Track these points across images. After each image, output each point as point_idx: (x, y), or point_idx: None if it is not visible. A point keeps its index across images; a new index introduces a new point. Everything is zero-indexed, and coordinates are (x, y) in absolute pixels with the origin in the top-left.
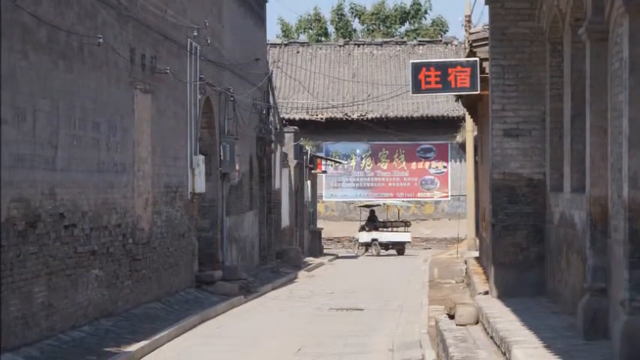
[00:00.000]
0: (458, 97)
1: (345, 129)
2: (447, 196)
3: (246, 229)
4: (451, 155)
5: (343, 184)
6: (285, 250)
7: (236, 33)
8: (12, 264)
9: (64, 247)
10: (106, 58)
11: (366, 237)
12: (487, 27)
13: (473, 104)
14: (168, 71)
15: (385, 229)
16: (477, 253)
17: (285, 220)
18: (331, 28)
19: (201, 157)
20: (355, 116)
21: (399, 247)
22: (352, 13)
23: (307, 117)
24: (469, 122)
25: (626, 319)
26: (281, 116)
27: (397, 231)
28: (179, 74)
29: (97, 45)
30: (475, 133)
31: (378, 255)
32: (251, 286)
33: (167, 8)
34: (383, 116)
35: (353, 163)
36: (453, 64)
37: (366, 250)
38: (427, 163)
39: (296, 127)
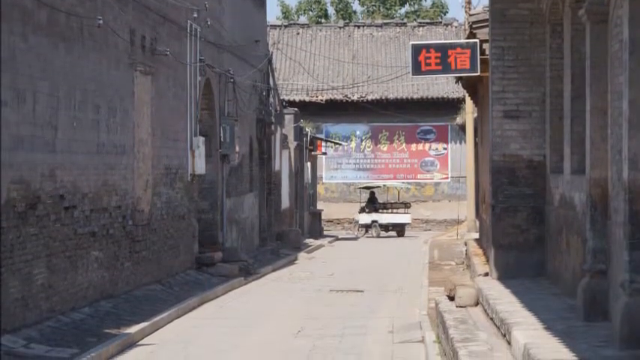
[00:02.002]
0: (458, 79)
1: (345, 110)
2: (447, 178)
3: (246, 210)
4: (451, 137)
5: (343, 165)
6: (285, 231)
7: (236, 14)
8: (12, 245)
9: (64, 228)
10: (105, 40)
11: (366, 219)
12: (487, 8)
13: (473, 86)
14: (168, 53)
15: (385, 211)
16: (476, 235)
17: (285, 202)
18: (331, 10)
19: (201, 139)
20: (355, 98)
21: (399, 229)
22: None
23: (307, 98)
24: (469, 104)
25: (626, 301)
26: (281, 98)
27: (397, 213)
28: (179, 56)
29: (96, 27)
30: (475, 114)
31: (378, 237)
32: (251, 268)
33: None
34: (383, 98)
35: (353, 144)
36: (453, 46)
37: (366, 231)
38: (427, 145)
39: (296, 109)
